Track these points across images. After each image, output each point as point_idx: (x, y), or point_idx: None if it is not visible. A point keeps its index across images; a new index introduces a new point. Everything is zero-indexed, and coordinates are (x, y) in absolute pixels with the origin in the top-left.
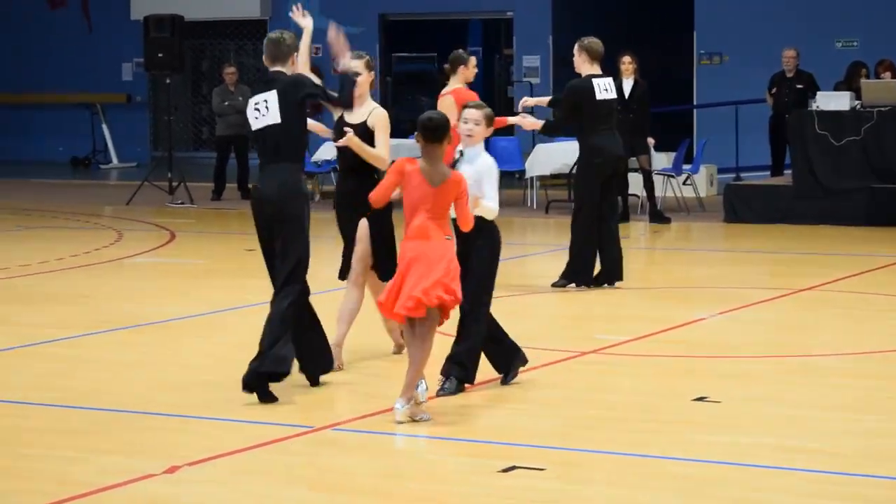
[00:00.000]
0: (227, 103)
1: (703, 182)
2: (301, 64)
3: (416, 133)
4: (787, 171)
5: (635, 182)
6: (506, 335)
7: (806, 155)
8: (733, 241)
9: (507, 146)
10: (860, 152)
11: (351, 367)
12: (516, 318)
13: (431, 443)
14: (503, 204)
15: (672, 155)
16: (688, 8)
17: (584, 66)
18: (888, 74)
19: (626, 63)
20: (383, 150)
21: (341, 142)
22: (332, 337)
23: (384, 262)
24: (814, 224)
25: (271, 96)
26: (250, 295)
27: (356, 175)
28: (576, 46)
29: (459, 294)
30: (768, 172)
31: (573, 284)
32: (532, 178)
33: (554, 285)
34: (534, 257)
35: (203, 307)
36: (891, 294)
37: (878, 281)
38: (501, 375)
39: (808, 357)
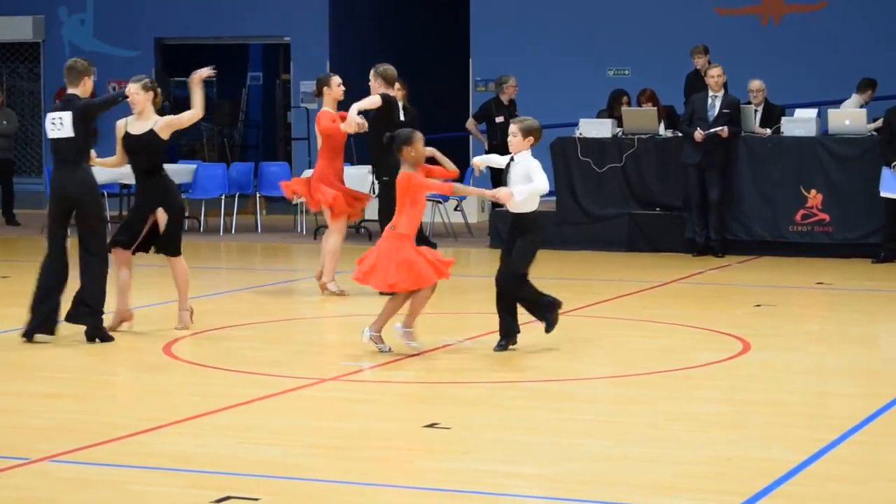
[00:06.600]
0: None
1: (473, 208)
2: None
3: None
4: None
5: None
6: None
7: (569, 181)
8: (496, 267)
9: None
10: (621, 179)
11: (81, 397)
12: (268, 343)
13: (144, 472)
14: (274, 229)
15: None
16: (464, 35)
17: (380, 90)
18: (650, 104)
19: (396, 89)
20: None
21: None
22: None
23: None
24: (577, 249)
25: (66, 115)
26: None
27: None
28: (371, 73)
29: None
30: None
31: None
32: (301, 204)
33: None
34: (301, 283)
35: None
36: (642, 319)
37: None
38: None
39: (548, 382)
